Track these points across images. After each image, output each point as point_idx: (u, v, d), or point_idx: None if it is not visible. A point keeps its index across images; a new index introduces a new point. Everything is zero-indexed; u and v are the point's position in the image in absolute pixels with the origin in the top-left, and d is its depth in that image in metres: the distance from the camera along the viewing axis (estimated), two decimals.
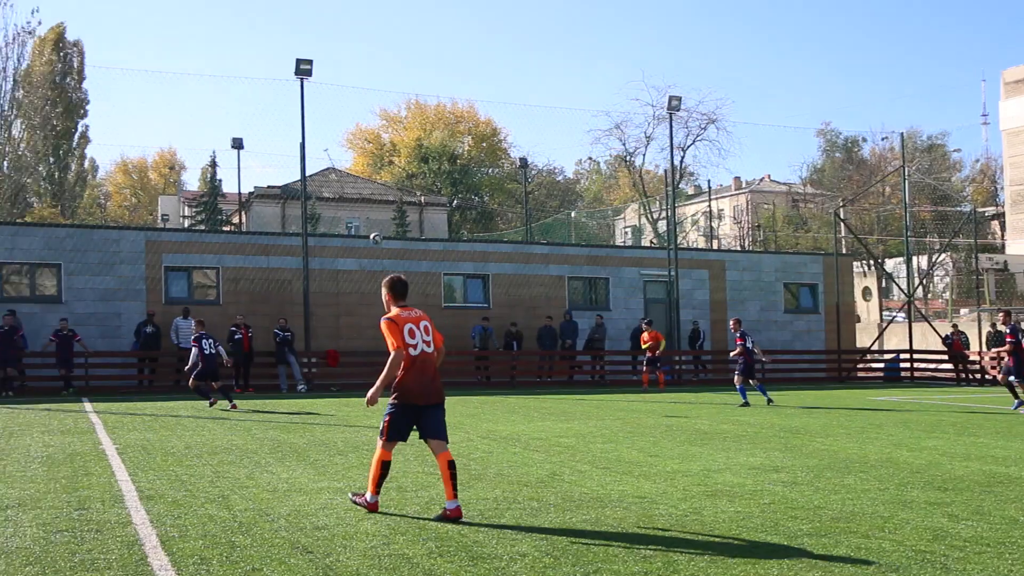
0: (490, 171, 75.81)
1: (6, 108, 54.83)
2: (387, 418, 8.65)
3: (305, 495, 9.58)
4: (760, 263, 37.47)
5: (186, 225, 62.37)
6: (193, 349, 20.15)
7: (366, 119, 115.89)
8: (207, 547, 7.30)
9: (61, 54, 62.28)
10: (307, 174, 30.03)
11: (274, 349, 27.19)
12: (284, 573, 6.59)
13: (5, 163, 54.36)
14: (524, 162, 50.96)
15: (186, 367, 21.05)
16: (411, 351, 8.53)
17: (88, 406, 20.75)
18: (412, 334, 8.58)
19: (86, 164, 69.74)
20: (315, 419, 18.00)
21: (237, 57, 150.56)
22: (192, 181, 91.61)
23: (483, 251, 33.93)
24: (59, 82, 60.68)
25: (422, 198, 60.11)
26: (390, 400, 8.71)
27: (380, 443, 8.70)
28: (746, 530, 8.01)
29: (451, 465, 8.50)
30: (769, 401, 21.81)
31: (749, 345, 22.33)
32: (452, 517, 8.30)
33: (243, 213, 52.23)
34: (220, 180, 62.63)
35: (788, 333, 36.39)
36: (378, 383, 8.52)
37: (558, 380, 31.58)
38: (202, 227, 54.80)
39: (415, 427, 8.67)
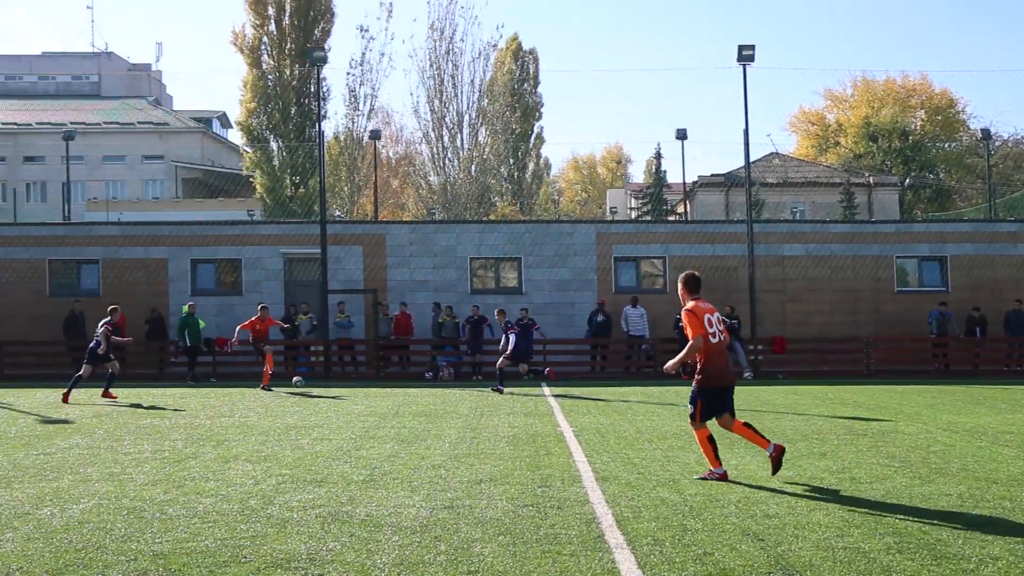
0: (946, 146, 70.64)
1: (474, 117, 59.75)
2: (699, 403, 9.77)
3: (754, 482, 9.53)
4: None
5: (633, 216, 64.36)
6: (504, 335, 22.36)
7: (810, 100, 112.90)
8: (660, 529, 7.49)
9: (519, 63, 66.85)
10: (750, 160, 29.80)
11: None
12: (735, 559, 6.60)
13: (473, 167, 59.24)
14: (986, 133, 46.88)
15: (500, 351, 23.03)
16: (711, 339, 9.71)
17: (546, 390, 22.07)
18: (709, 323, 9.79)
19: (541, 163, 74.29)
20: (762, 406, 17.84)
21: (680, 49, 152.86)
22: (637, 174, 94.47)
23: (940, 231, 31.77)
24: (517, 89, 65.15)
25: (871, 179, 57.41)
26: (695, 387, 9.81)
27: (694, 426, 9.88)
28: None
29: (747, 424, 9.87)
30: None
31: None
32: (778, 452, 9.49)
33: (687, 202, 52.96)
34: (664, 171, 63.96)
35: None
36: (678, 359, 10.02)
37: None
38: (648, 218, 56.26)
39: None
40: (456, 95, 58.71)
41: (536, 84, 69.37)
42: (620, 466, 10.55)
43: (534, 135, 69.10)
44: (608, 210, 70.94)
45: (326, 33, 49.16)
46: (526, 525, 7.63)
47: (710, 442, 9.74)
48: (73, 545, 7.05)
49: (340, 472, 10.18)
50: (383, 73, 65.09)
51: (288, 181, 48.75)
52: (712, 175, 56.50)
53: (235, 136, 66.00)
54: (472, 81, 59.15)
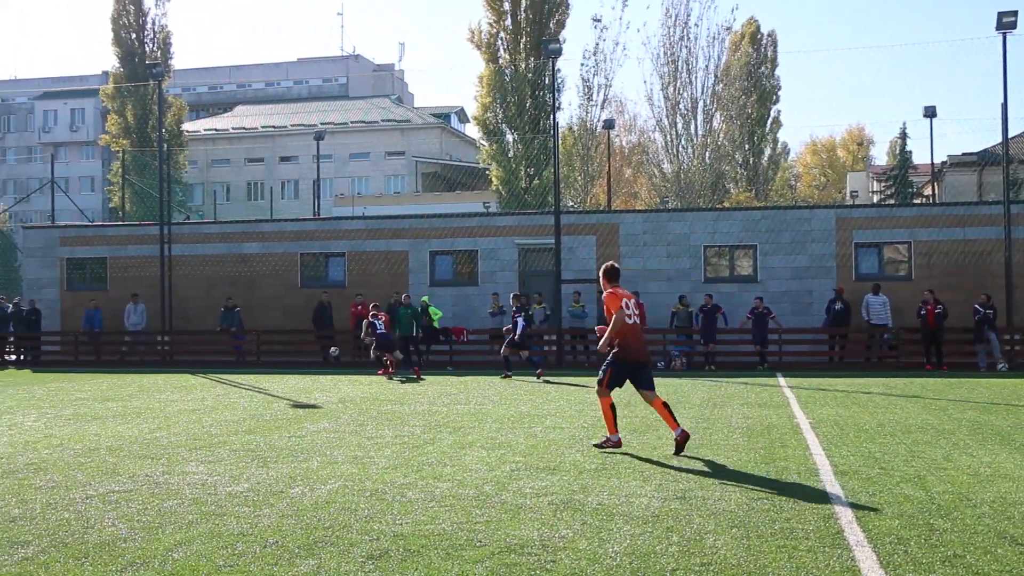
0: None
1: (708, 103, 58.86)
2: (607, 372, 10.94)
3: (1011, 482, 8.93)
4: None
5: (875, 200, 61.65)
6: (513, 321, 23.47)
7: None
8: (904, 527, 7.15)
9: (756, 46, 65.28)
10: (1008, 136, 27.86)
11: (972, 326, 25.67)
12: (989, 563, 6.21)
13: (707, 153, 58.37)
14: None
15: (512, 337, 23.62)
16: (627, 320, 10.88)
17: (781, 380, 21.48)
18: (627, 306, 10.97)
19: (778, 148, 72.26)
20: (1019, 400, 16.69)
21: (929, 21, 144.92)
22: (880, 155, 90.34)
23: None
24: (753, 72, 63.63)
25: None
26: (610, 357, 10.95)
27: (599, 392, 11.04)
28: None
29: (665, 405, 10.89)
30: None
31: None
32: (683, 439, 10.59)
33: (935, 184, 50.17)
34: (910, 151, 60.92)
35: None
36: (605, 338, 11.00)
37: None
38: (892, 201, 53.70)
39: (630, 379, 11.00)
40: (690, 81, 58.06)
41: (774, 67, 67.57)
42: (860, 460, 10.14)
43: (771, 119, 67.28)
44: (848, 194, 68.30)
45: (560, 25, 49.56)
46: (760, 518, 7.46)
47: (612, 410, 11.04)
48: (321, 523, 7.44)
49: (572, 460, 10.28)
50: (617, 62, 65.32)
51: (523, 173, 49.56)
52: (963, 154, 53.18)
53: (472, 130, 67.83)
54: (707, 66, 58.36)
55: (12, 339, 31.90)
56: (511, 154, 49.76)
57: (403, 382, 21.69)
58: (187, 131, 66.12)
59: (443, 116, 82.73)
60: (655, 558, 6.39)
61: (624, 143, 63.56)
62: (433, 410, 15.63)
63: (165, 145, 37.52)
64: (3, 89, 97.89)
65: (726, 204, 53.60)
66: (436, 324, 26.88)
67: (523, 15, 48.88)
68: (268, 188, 72.98)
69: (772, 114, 67.34)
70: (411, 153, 76.64)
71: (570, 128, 53.65)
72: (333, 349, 26.94)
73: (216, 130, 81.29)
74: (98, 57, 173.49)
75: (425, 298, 27.38)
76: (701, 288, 28.32)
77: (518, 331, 23.30)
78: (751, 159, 65.51)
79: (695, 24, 57.93)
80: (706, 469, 9.67)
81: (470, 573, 6.12)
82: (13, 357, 31.53)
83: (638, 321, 11.15)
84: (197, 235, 32.80)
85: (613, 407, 11.06)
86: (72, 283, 33.10)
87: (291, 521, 7.53)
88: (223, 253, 31.78)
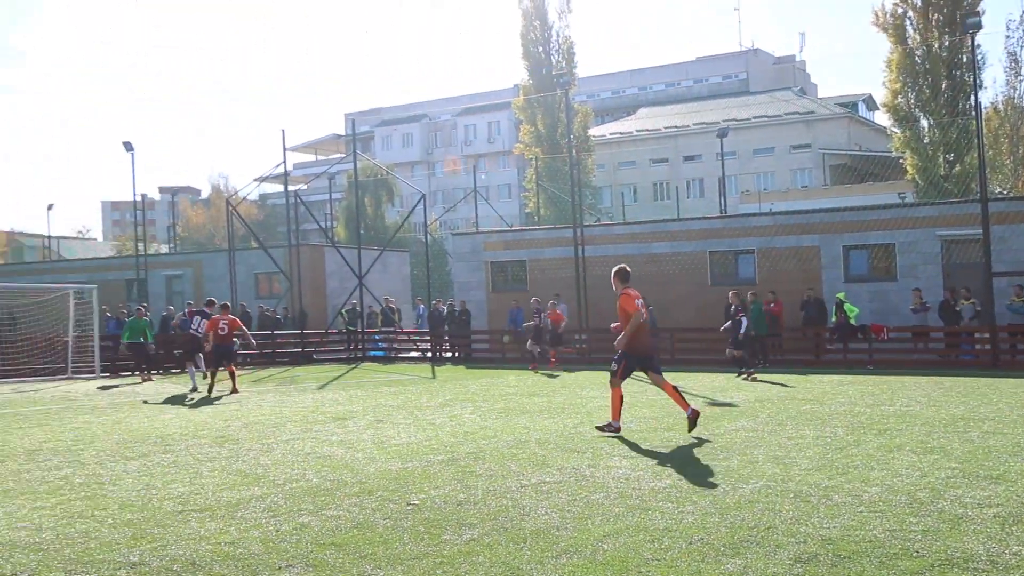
0: None
1: None
2: (622, 364, 12.34)
3: None
4: None
5: None
6: (734, 320, 23.00)
7: None
8: None
9: None
10: None
11: None
12: None
13: None
14: None
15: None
16: (642, 319, 12.24)
17: None
18: (640, 306, 12.33)
19: None
20: None
21: None
22: None
23: None
24: None
25: None
26: (623, 350, 12.26)
27: (612, 383, 12.43)
28: None
29: (676, 388, 12.33)
30: None
31: None
32: (695, 416, 12.12)
33: None
34: None
35: None
36: (626, 336, 12.27)
37: None
38: None
39: (641, 368, 12.53)
40: None
41: None
42: None
43: None
44: None
45: None
46: None
47: (620, 401, 12.53)
48: (745, 523, 7.40)
49: (1019, 470, 9.44)
50: None
51: (941, 160, 46.40)
52: None
53: (881, 118, 64.56)
54: None
55: (448, 337, 34.74)
56: (927, 140, 46.77)
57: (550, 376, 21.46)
58: (593, 136, 68.46)
59: (849, 105, 79.48)
60: None
61: None
62: (855, 411, 15.02)
63: (574, 151, 39.05)
64: (432, 108, 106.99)
65: None
66: (853, 321, 25.87)
67: None
68: (673, 188, 73.93)
69: None
70: (817, 145, 74.36)
71: (994, 107, 49.46)
72: (506, 338, 27.84)
73: (621, 133, 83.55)
74: (510, 72, 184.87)
75: (841, 294, 26.45)
76: None
77: (741, 329, 22.88)
78: None
79: None
80: None
81: None
82: (449, 354, 34.30)
83: (646, 317, 12.63)
84: (608, 236, 33.86)
85: (621, 398, 12.57)
86: (496, 285, 35.45)
87: (714, 519, 7.55)
88: (633, 253, 32.54)
